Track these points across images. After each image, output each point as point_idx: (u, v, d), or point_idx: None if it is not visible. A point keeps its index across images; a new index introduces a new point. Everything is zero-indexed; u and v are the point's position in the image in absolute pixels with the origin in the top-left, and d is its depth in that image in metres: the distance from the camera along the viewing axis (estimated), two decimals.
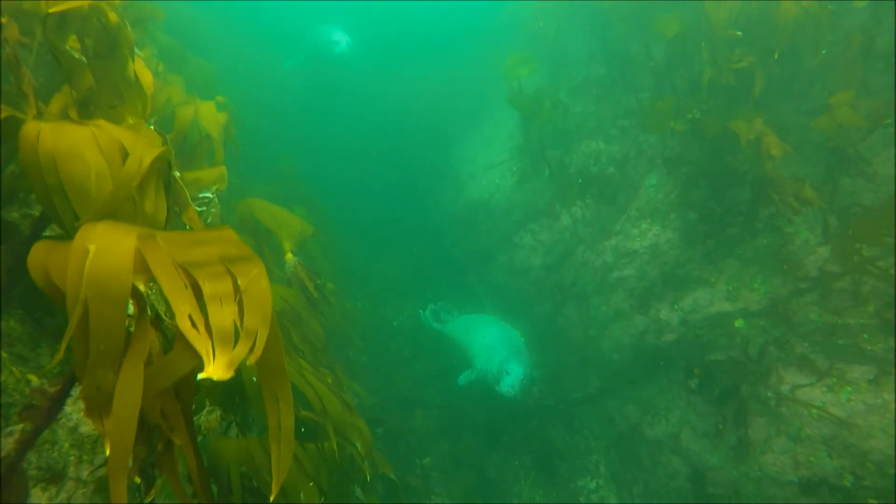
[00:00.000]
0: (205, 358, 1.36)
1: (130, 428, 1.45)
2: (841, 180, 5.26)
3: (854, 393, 4.55)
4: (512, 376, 6.19)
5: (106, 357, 1.49)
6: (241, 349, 1.43)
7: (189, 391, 1.76)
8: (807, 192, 4.91)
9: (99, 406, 1.55)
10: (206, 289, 1.49)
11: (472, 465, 6.92)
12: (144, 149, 2.35)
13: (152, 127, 2.72)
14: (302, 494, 3.11)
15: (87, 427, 2.61)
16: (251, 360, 1.48)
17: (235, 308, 1.49)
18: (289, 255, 5.23)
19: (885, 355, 4.44)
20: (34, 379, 2.27)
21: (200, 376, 1.34)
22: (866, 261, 4.73)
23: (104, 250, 1.49)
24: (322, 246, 7.58)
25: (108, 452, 1.74)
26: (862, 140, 5.27)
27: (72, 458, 2.52)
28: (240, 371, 3.38)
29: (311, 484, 3.19)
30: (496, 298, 8.51)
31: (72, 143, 1.88)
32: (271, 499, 1.63)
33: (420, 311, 8.30)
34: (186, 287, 1.49)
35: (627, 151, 6.89)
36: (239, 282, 1.55)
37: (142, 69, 3.32)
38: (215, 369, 1.35)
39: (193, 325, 1.43)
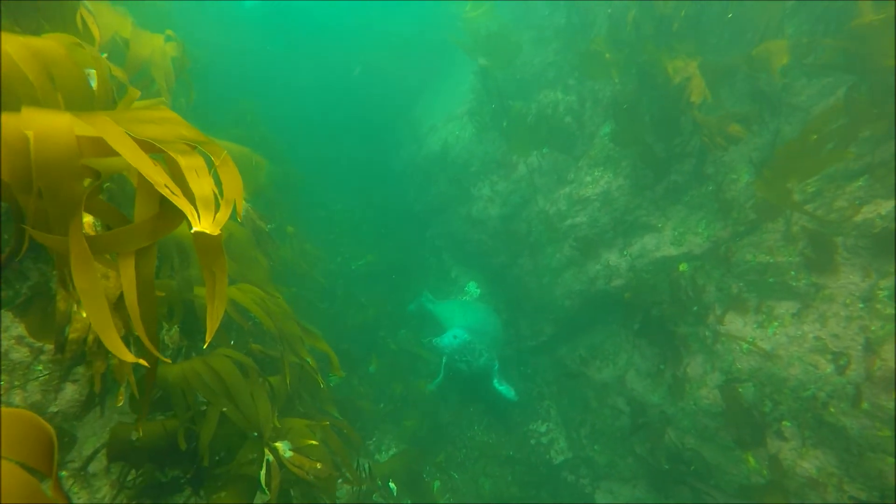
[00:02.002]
0: (191, 218, 1.53)
1: (98, 292, 1.64)
2: (781, 126, 5.67)
3: (780, 327, 5.00)
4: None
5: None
6: (225, 212, 1.63)
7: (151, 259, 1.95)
8: (733, 129, 5.28)
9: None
10: (182, 162, 1.63)
11: (426, 412, 7.31)
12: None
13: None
14: (258, 408, 3.40)
15: (19, 354, 2.83)
16: (239, 217, 1.74)
17: (212, 180, 1.66)
18: (242, 202, 5.47)
19: (807, 290, 4.89)
20: None
21: (194, 230, 1.52)
22: (797, 204, 5.15)
23: (45, 136, 1.52)
24: (282, 191, 7.78)
25: (75, 327, 2.00)
26: (802, 90, 5.69)
27: (2, 383, 2.74)
28: (192, 301, 3.66)
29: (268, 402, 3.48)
30: (455, 251, 8.84)
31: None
32: (204, 346, 1.91)
33: (411, 306, 8.64)
34: (157, 164, 1.61)
35: (584, 101, 7.18)
36: (213, 160, 1.75)
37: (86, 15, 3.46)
38: (204, 225, 1.53)
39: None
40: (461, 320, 7.23)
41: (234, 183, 1.72)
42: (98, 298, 1.59)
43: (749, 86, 5.78)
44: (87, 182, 1.79)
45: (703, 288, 5.75)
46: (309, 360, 4.16)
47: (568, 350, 7.19)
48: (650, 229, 6.28)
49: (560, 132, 7.23)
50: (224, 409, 3.25)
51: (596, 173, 6.62)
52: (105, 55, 4.03)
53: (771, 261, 5.24)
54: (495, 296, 7.98)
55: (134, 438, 3.06)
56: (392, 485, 6.31)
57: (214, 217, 1.61)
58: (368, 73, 12.01)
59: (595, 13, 7.18)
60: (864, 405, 4.11)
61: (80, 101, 2.46)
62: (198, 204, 1.55)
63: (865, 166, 4.75)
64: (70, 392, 3.34)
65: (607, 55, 5.90)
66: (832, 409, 4.36)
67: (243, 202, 5.46)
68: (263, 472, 3.23)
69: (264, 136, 8.89)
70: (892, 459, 3.89)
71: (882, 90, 4.70)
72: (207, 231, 1.50)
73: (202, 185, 1.59)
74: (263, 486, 3.18)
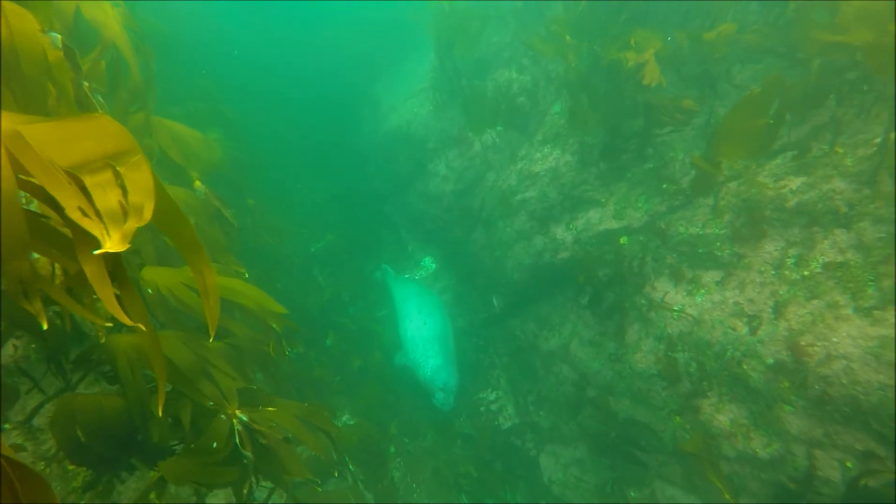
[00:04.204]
0: (100, 238, 1.57)
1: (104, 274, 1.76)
2: (716, 108, 6.15)
3: (706, 294, 5.50)
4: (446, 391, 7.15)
5: (16, 249, 1.72)
6: (132, 222, 1.65)
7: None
8: (686, 103, 5.74)
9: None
10: (88, 181, 1.66)
11: (380, 381, 7.68)
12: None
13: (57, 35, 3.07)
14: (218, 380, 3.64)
15: None
16: (140, 224, 1.73)
17: (119, 191, 1.69)
18: (197, 183, 5.70)
19: (730, 259, 5.38)
20: None
21: (97, 252, 1.56)
22: (726, 179, 5.64)
23: None
24: (241, 168, 7.97)
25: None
26: (738, 74, 6.18)
27: None
28: (137, 279, 3.87)
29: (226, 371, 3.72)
30: (412, 227, 9.19)
31: None
32: (210, 341, 2.14)
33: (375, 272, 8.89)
34: (71, 183, 1.65)
35: (537, 81, 7.57)
36: (120, 170, 1.75)
37: None
38: (111, 244, 1.57)
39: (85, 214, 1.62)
40: (413, 310, 7.60)
41: (142, 187, 1.73)
42: (105, 280, 1.70)
43: (692, 69, 6.22)
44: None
45: (641, 259, 6.21)
46: (274, 324, 4.43)
47: (518, 321, 7.63)
48: (595, 204, 6.72)
49: (514, 110, 7.62)
50: (179, 388, 3.40)
51: (545, 150, 7.02)
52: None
53: (701, 233, 5.72)
54: (450, 270, 8.36)
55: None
56: (346, 458, 6.65)
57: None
58: (332, 52, 12.18)
59: None
60: (770, 361, 4.62)
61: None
62: (105, 220, 1.58)
63: (783, 146, 5.24)
64: (12, 349, 3.57)
65: (567, 38, 6.28)
66: (745, 367, 4.86)
67: (199, 184, 5.70)
68: (237, 439, 3.45)
69: (224, 112, 9.03)
70: (789, 407, 4.41)
71: (801, 76, 5.20)
72: (114, 250, 1.52)
73: (108, 199, 1.63)
74: (241, 448, 3.42)
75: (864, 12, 4.74)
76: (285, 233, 9.00)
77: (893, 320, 3.89)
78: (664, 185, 6.22)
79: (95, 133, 1.78)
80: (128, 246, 1.56)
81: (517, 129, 7.57)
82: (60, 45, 3.03)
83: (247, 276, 5.29)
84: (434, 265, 8.83)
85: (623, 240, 6.48)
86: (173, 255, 4.42)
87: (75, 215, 1.55)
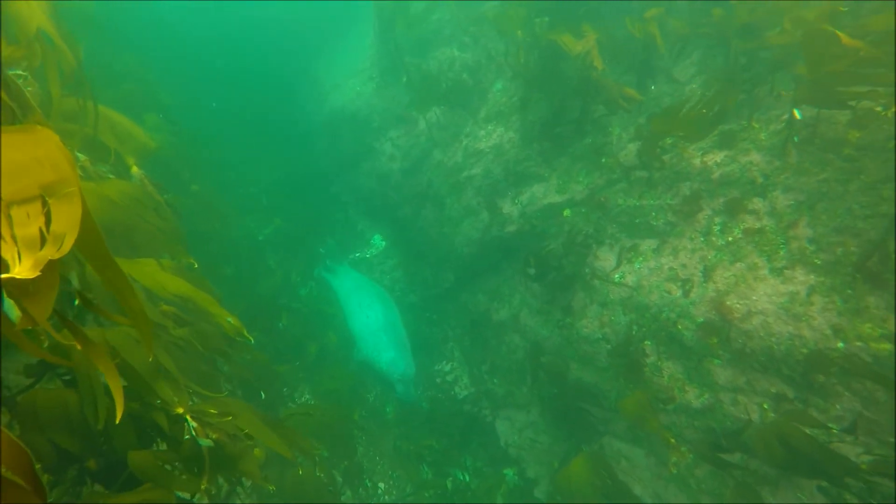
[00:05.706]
0: (10, 262, 1.58)
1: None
2: (649, 87, 6.67)
3: (643, 261, 6.06)
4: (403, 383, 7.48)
5: None
6: (47, 251, 1.65)
7: None
8: (628, 91, 6.22)
9: None
10: (14, 212, 1.68)
11: (338, 365, 8.00)
12: None
13: None
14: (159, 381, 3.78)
15: None
16: (57, 256, 1.69)
17: (43, 219, 1.71)
18: (134, 169, 5.74)
19: (664, 228, 5.96)
20: None
21: (3, 277, 1.53)
22: (659, 154, 6.18)
23: None
24: (180, 152, 7.96)
25: None
26: (676, 54, 6.71)
27: None
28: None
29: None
30: (361, 205, 9.44)
31: None
32: (150, 359, 2.24)
33: (317, 269, 9.03)
34: None
35: (479, 59, 7.90)
36: (49, 201, 1.76)
37: None
38: (21, 270, 1.57)
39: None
40: (355, 306, 7.87)
41: (68, 218, 1.73)
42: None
43: (628, 54, 6.70)
44: None
45: (583, 230, 6.74)
46: (231, 319, 4.61)
47: (469, 295, 8.09)
48: (538, 179, 7.19)
49: (457, 88, 7.93)
50: (134, 388, 3.51)
51: (489, 127, 7.41)
52: None
53: (637, 204, 6.27)
54: (400, 247, 8.69)
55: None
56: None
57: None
58: (270, 28, 12.09)
59: None
60: (700, 320, 5.23)
61: None
62: (20, 246, 1.60)
63: None
64: None
65: (519, 33, 6.62)
66: (679, 327, 5.46)
67: (136, 170, 5.75)
68: (189, 436, 3.62)
69: (159, 95, 8.92)
70: (717, 360, 5.04)
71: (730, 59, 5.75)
72: (22, 276, 1.53)
73: (29, 226, 1.65)
74: (198, 438, 3.62)
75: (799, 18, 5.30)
76: (232, 217, 9.09)
77: (800, 278, 4.54)
78: (603, 160, 6.73)
79: (34, 154, 1.80)
80: (38, 273, 1.55)
81: (461, 106, 7.91)
82: None
83: (196, 266, 5.41)
84: (384, 242, 9.14)
85: (566, 212, 6.98)
86: (120, 244, 4.50)
87: None
